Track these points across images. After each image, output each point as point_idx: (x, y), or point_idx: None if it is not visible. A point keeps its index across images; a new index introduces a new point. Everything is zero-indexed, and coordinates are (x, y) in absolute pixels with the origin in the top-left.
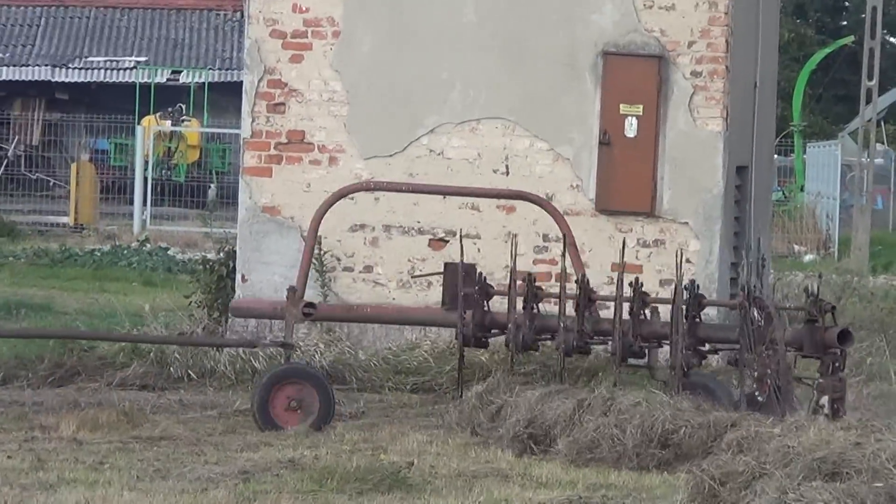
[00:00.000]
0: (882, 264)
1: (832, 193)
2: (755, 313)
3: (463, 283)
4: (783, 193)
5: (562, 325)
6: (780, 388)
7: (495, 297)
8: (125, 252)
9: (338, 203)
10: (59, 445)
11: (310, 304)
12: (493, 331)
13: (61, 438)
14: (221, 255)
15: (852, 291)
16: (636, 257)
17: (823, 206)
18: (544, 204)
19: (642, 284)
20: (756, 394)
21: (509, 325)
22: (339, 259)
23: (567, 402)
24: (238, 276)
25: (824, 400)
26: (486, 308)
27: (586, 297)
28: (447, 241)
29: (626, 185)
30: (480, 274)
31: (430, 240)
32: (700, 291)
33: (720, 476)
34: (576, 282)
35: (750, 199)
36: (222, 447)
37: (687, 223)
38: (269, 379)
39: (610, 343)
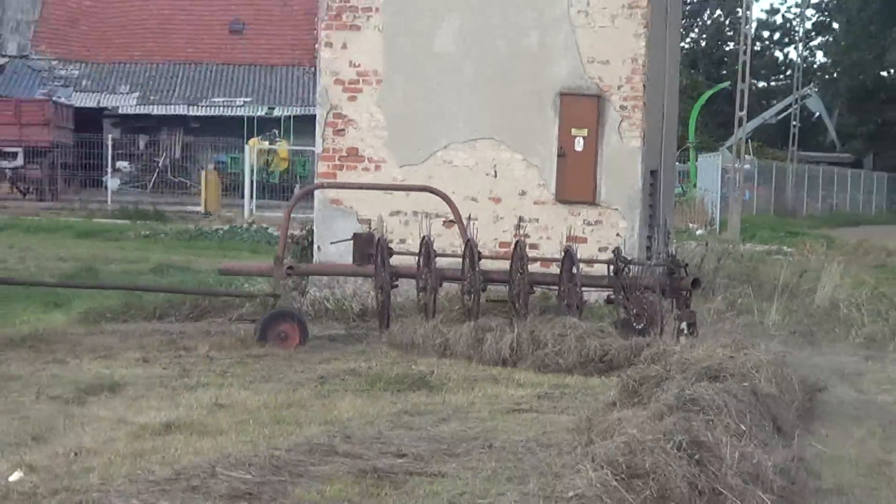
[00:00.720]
0: (748, 236)
1: (715, 189)
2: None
3: (368, 248)
4: (682, 189)
5: (472, 273)
6: (652, 318)
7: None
8: (238, 230)
9: (386, 195)
10: (197, 360)
11: (290, 266)
12: (395, 279)
13: (198, 356)
14: (304, 232)
15: (728, 255)
16: (583, 232)
17: (709, 197)
18: (441, 194)
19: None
20: (634, 322)
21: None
22: (387, 233)
23: (524, 333)
24: (315, 247)
25: (683, 325)
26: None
27: (474, 255)
28: (454, 222)
29: (576, 184)
30: (383, 240)
31: (443, 221)
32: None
33: (639, 379)
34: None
35: (659, 192)
36: (306, 361)
37: (617, 209)
38: (264, 320)
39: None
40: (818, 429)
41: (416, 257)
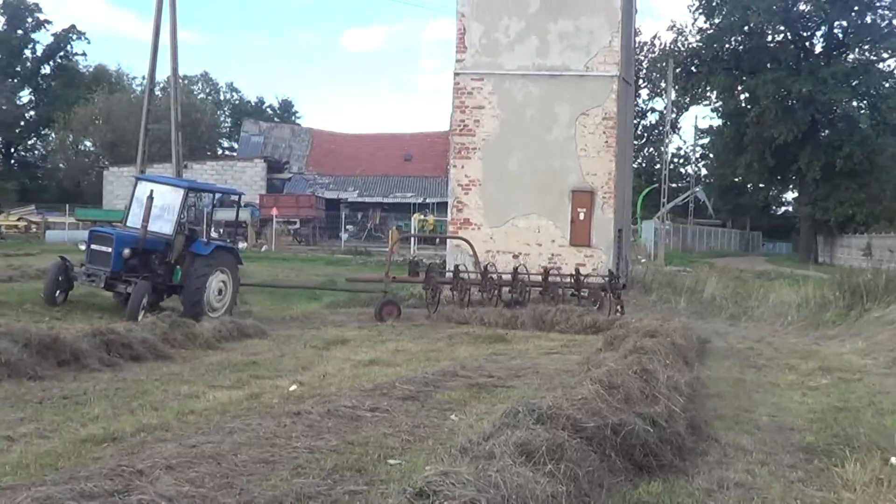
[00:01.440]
0: (669, 262)
1: (650, 237)
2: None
3: (416, 268)
4: (634, 238)
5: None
6: (602, 303)
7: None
8: (407, 261)
9: (480, 238)
10: (385, 327)
11: (393, 277)
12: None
13: (385, 326)
14: (440, 261)
15: (657, 272)
16: (583, 261)
17: (648, 242)
18: (466, 241)
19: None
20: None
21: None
22: (483, 263)
23: (549, 312)
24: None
25: (618, 307)
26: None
27: (486, 274)
28: (518, 255)
29: (580, 235)
30: (433, 265)
31: (512, 254)
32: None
33: (613, 336)
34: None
35: (623, 240)
36: (438, 329)
37: (601, 249)
38: (379, 303)
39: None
40: (706, 362)
41: (468, 275)
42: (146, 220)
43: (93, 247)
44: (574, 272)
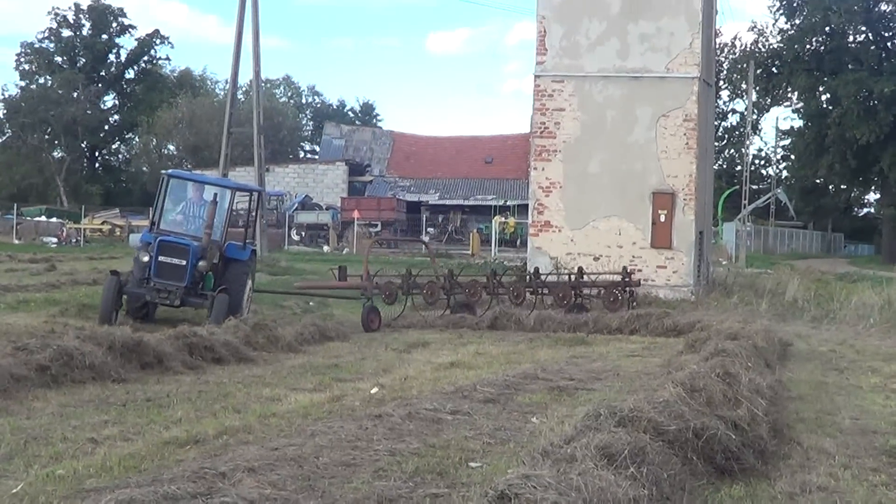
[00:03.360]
0: (749, 264)
1: (728, 239)
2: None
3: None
4: (715, 240)
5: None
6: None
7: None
8: (488, 263)
9: (563, 244)
10: (466, 330)
11: (376, 285)
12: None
13: (467, 327)
14: (521, 263)
15: (739, 274)
16: (664, 263)
17: (729, 244)
18: (426, 244)
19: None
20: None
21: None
22: (563, 265)
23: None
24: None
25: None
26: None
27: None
28: (599, 257)
29: (661, 237)
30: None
31: (593, 257)
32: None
33: (694, 339)
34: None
35: (704, 242)
36: (519, 332)
37: (682, 251)
38: (365, 311)
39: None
40: (788, 365)
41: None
42: (210, 226)
43: (161, 258)
44: (534, 271)
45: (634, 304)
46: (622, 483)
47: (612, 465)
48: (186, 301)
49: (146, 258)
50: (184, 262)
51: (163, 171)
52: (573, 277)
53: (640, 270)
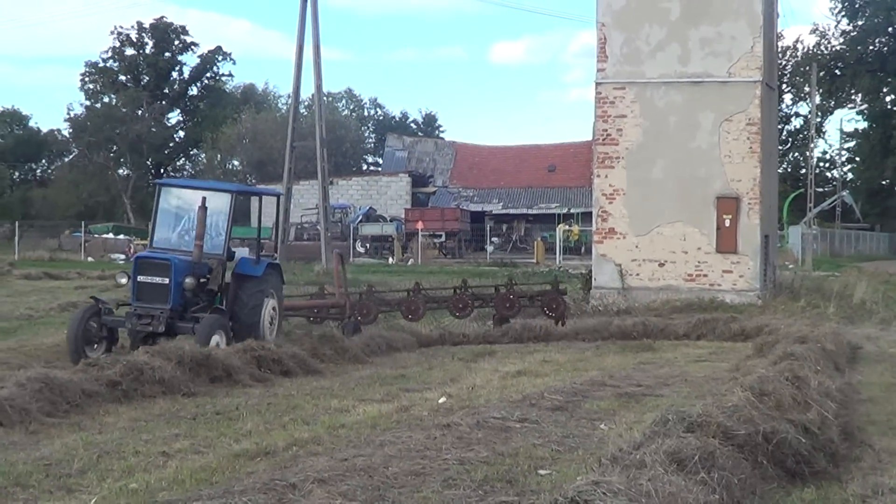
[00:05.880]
0: (816, 267)
1: (794, 242)
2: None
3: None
4: (781, 244)
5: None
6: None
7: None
8: (553, 271)
9: (628, 251)
10: (532, 342)
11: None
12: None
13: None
14: (586, 270)
15: (806, 277)
16: (730, 267)
17: (795, 247)
18: (339, 257)
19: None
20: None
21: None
22: (628, 271)
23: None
24: (593, 279)
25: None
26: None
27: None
28: (664, 263)
29: (726, 242)
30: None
31: (657, 263)
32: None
33: (761, 343)
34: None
35: (770, 246)
36: (588, 340)
37: (747, 255)
38: (350, 326)
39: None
40: (857, 367)
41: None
42: (200, 236)
43: (141, 278)
44: (462, 283)
45: (563, 311)
46: (693, 488)
47: (682, 470)
48: (174, 327)
49: (124, 280)
50: (166, 281)
51: (155, 181)
52: (500, 289)
53: (705, 275)
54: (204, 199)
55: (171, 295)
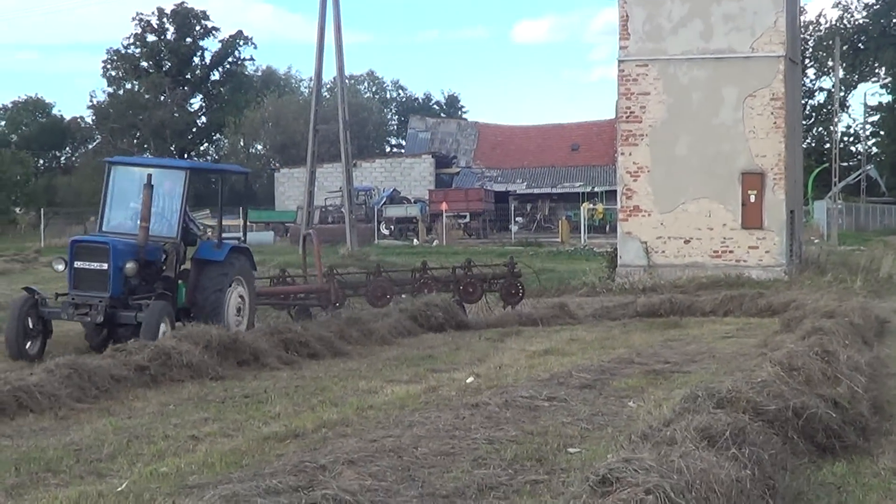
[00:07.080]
0: (842, 242)
1: (820, 217)
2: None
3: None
4: (806, 219)
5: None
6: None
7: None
8: (578, 251)
9: (653, 228)
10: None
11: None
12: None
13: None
14: (611, 248)
15: (831, 252)
16: (755, 243)
17: (821, 222)
18: (310, 235)
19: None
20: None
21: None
22: (654, 249)
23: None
24: (618, 257)
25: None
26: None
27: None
28: (690, 240)
29: (752, 218)
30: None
31: (683, 240)
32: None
33: (790, 318)
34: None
35: (796, 221)
36: (615, 319)
37: (773, 231)
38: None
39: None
40: (886, 341)
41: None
42: (146, 217)
43: (78, 264)
44: (422, 265)
45: (521, 295)
46: (724, 464)
47: (713, 446)
48: (115, 317)
49: (60, 266)
50: (104, 266)
51: (105, 159)
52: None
53: (731, 252)
54: (150, 175)
55: (110, 282)
